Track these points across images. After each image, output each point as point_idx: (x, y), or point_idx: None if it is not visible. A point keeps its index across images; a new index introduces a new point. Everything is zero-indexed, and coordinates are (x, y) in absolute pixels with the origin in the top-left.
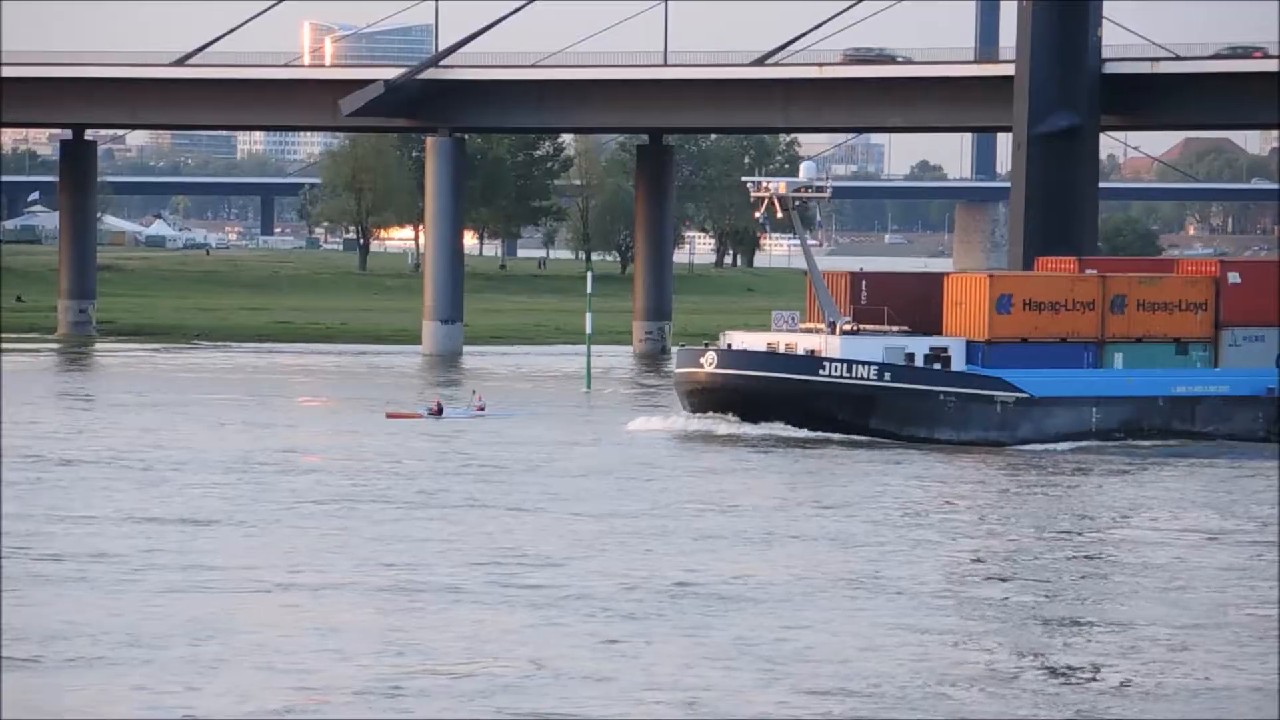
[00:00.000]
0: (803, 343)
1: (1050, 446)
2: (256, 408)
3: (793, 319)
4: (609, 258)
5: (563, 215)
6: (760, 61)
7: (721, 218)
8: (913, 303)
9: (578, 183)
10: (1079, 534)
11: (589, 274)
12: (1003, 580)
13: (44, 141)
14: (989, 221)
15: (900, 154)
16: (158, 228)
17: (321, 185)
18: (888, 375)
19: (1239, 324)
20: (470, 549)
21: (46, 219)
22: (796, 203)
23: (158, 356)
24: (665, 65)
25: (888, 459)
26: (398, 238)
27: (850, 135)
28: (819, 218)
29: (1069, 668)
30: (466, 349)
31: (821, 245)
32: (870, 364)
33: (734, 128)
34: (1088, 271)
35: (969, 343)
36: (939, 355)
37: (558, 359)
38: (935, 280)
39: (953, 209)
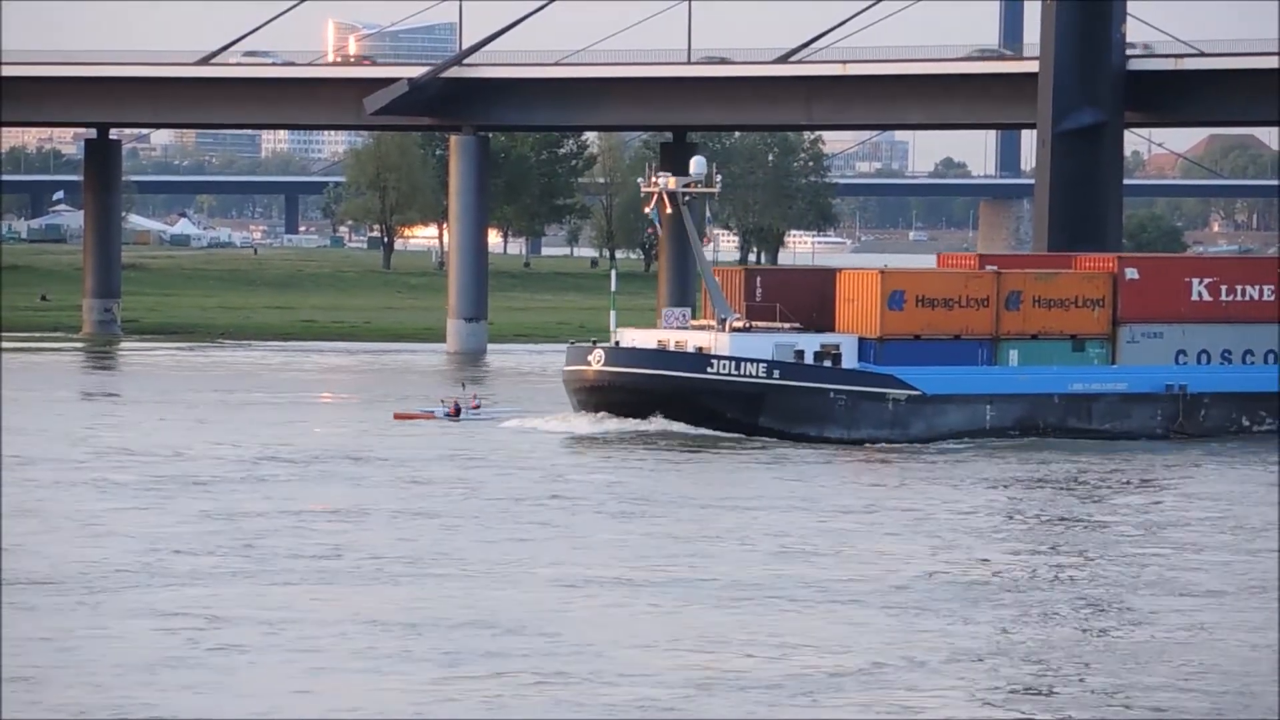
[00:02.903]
0: (693, 340)
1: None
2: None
3: (683, 316)
4: (632, 255)
5: (586, 213)
6: (784, 59)
7: (745, 215)
8: (807, 300)
9: (601, 180)
10: None
11: (613, 271)
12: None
13: (68, 141)
14: (1013, 218)
15: (924, 151)
16: (182, 226)
17: (345, 184)
18: (777, 373)
19: (1137, 320)
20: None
21: (71, 218)
22: (686, 198)
23: (195, 355)
24: (689, 63)
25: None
26: (422, 236)
27: (874, 132)
28: (710, 214)
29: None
30: (490, 347)
31: (846, 242)
32: (759, 361)
33: (758, 125)
34: (987, 268)
35: (861, 340)
36: (829, 353)
37: None
38: (829, 277)
39: (977, 206)
